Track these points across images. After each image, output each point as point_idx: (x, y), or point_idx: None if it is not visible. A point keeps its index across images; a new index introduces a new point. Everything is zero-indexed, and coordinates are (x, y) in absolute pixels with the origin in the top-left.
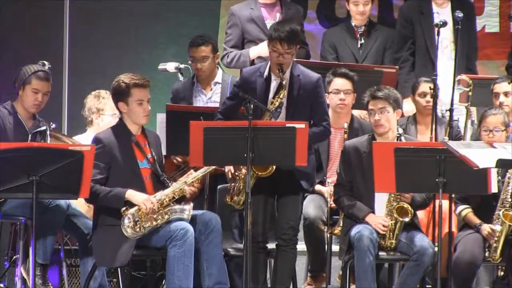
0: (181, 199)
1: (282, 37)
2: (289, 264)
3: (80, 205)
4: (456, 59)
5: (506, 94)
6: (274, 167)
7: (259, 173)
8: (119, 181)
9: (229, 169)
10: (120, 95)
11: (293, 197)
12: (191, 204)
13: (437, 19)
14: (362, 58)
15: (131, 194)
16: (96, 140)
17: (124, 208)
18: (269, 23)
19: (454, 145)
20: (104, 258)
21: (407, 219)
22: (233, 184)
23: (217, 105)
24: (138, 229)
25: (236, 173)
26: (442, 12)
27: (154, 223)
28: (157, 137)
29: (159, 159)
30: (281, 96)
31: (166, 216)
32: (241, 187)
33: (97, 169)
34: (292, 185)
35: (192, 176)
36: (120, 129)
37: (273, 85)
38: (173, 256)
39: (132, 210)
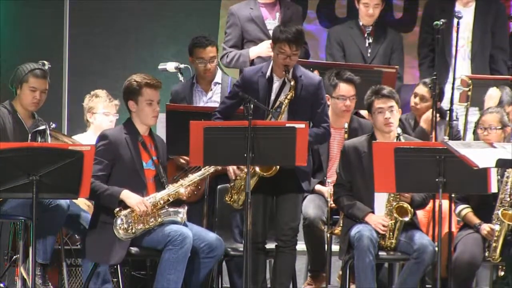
0: (176, 201)
1: (290, 39)
2: (288, 265)
3: (80, 205)
4: (456, 60)
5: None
6: (278, 166)
7: (264, 173)
8: (121, 179)
9: (233, 169)
10: (130, 93)
11: (293, 198)
12: (186, 208)
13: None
14: (371, 58)
15: (126, 196)
16: (102, 136)
17: (117, 209)
18: (268, 23)
19: (454, 145)
20: (96, 255)
21: (407, 219)
22: (233, 183)
23: (217, 105)
24: (130, 231)
25: (239, 174)
26: (464, 12)
27: (147, 225)
28: (163, 142)
29: (163, 164)
30: (288, 97)
31: (160, 219)
32: (241, 187)
33: (100, 165)
34: (291, 186)
35: (189, 179)
36: (128, 127)
37: (276, 85)
38: (167, 259)
39: (125, 212)
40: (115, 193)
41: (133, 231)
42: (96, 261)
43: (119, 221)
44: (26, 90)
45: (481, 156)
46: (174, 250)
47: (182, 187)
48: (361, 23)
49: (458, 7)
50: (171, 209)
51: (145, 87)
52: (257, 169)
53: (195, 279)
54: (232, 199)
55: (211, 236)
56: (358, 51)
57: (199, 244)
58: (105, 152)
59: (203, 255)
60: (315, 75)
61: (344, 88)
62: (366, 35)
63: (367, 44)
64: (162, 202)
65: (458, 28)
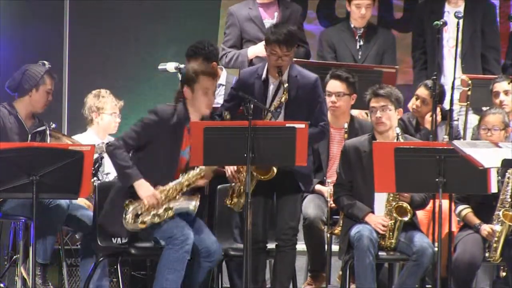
0: (190, 190)
1: (280, 40)
2: (288, 264)
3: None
4: (456, 58)
5: (506, 92)
6: (275, 170)
7: (262, 177)
8: (153, 158)
9: (231, 170)
10: (187, 80)
11: (292, 197)
12: (199, 196)
13: (446, 18)
14: (362, 60)
15: (139, 185)
16: (154, 112)
17: (127, 201)
18: (267, 22)
19: (459, 144)
20: (109, 228)
21: (406, 219)
22: (233, 186)
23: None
24: (139, 223)
25: (237, 176)
26: (453, 12)
27: (157, 218)
28: None
29: None
30: (282, 100)
31: (171, 212)
32: (240, 190)
33: (135, 135)
34: (290, 186)
35: (199, 168)
36: (181, 110)
37: (271, 87)
38: (166, 257)
39: (135, 204)
40: (132, 175)
41: (142, 223)
42: (108, 234)
43: (128, 213)
44: (42, 92)
45: (486, 156)
46: (174, 250)
47: (199, 176)
48: (352, 25)
49: (447, 7)
50: (184, 197)
51: (202, 74)
52: (254, 173)
53: (194, 280)
54: (232, 202)
55: (211, 240)
56: (349, 54)
57: (198, 246)
58: (148, 127)
59: (201, 258)
60: (312, 74)
61: (331, 84)
62: (357, 37)
63: (358, 46)
64: (175, 193)
65: (458, 28)
